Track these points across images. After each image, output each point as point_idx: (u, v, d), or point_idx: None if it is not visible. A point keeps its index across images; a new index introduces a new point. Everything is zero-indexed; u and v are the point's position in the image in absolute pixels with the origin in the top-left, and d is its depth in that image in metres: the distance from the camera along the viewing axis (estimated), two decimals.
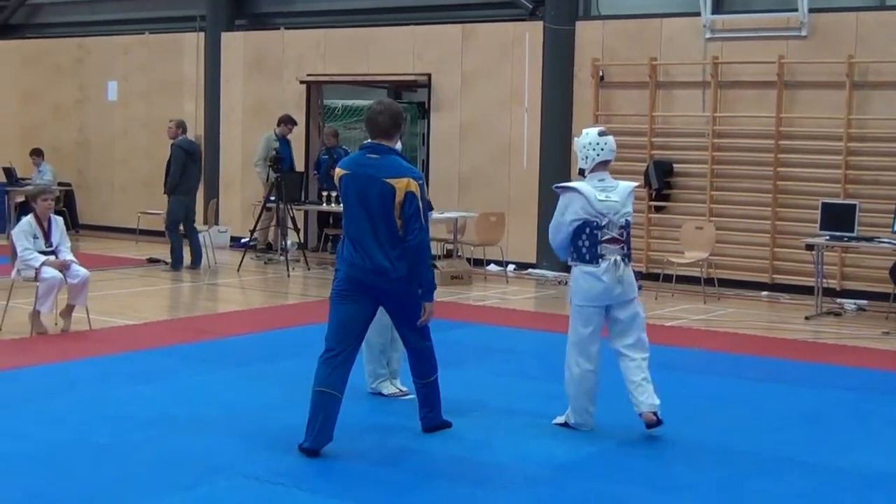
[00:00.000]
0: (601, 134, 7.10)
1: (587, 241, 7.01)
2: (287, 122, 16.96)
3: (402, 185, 6.47)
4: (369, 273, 6.53)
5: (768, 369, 9.61)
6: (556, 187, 7.27)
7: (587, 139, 7.08)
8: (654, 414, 7.00)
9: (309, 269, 15.57)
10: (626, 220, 7.08)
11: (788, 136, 14.27)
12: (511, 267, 15.73)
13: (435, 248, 15.42)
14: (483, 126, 16.41)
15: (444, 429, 7.10)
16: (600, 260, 7.01)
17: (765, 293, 14.17)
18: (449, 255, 15.64)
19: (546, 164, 15.77)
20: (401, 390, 8.08)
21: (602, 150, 7.04)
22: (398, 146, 7.22)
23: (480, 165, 16.44)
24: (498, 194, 16.17)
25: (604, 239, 7.01)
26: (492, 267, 15.75)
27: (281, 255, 15.75)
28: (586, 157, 7.07)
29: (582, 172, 7.11)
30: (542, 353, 10.19)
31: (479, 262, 15.63)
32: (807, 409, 8.18)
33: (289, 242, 15.93)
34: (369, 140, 6.72)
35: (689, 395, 7.99)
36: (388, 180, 6.48)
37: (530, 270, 15.72)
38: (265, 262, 16.18)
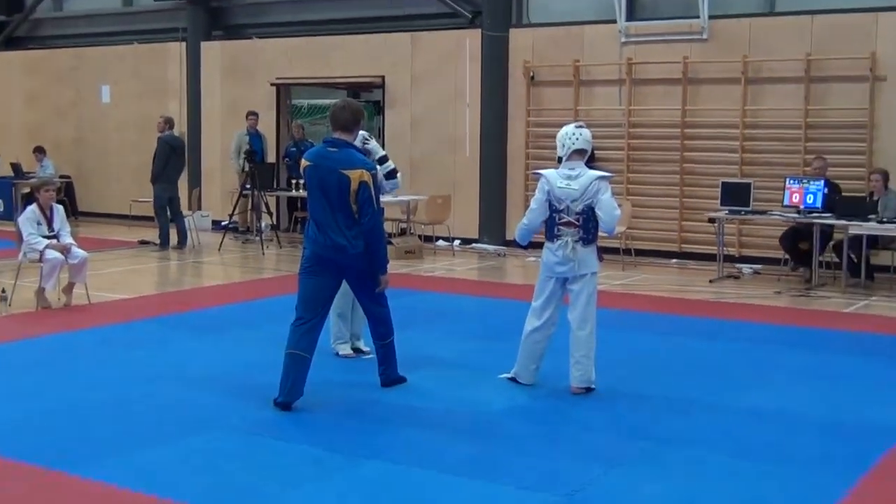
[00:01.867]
0: (577, 126, 7.00)
1: (548, 221, 6.98)
2: (249, 115, 16.97)
3: (356, 175, 6.44)
4: (331, 250, 6.52)
5: (678, 325, 9.71)
6: (533, 173, 7.21)
7: (564, 130, 6.96)
8: (584, 388, 6.96)
9: (281, 248, 15.49)
10: (585, 207, 6.86)
11: (693, 125, 14.35)
12: (457, 242, 15.73)
13: (390, 227, 15.41)
14: (431, 120, 16.35)
15: (399, 383, 7.13)
16: (556, 239, 6.97)
17: (674, 261, 14.28)
18: (403, 232, 15.60)
19: (485, 152, 15.77)
20: (363, 350, 8.09)
21: (577, 140, 6.91)
22: (370, 142, 7.19)
23: (429, 154, 16.39)
24: (444, 179, 16.15)
25: (561, 221, 6.93)
26: (440, 242, 15.74)
27: (256, 235, 15.67)
28: (563, 146, 6.94)
29: (560, 160, 7.01)
30: (483, 317, 10.25)
31: (429, 239, 15.62)
32: (710, 359, 8.27)
33: (263, 224, 15.83)
34: (330, 135, 6.69)
35: (611, 349, 8.04)
36: (344, 171, 6.45)
37: (473, 245, 15.73)
38: (243, 242, 16.07)
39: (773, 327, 9.70)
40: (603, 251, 7.30)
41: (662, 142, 14.55)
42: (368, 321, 7.04)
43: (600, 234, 7.08)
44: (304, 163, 6.66)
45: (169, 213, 15.14)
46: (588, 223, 6.95)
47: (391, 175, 7.74)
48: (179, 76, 18.98)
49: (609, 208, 6.89)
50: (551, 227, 7.00)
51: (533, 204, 7.07)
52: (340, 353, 8.05)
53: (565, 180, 6.91)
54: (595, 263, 7.02)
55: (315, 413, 6.47)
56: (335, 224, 6.49)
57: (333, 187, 6.46)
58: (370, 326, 7.04)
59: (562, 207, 6.93)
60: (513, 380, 7.25)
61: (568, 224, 6.95)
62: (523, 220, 7.17)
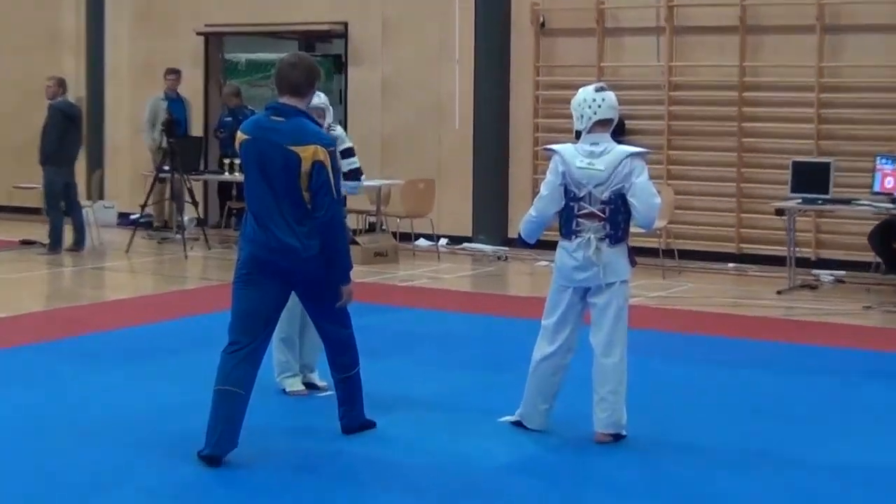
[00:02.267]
0: (598, 90, 6.97)
1: (564, 212, 6.96)
2: (168, 74, 17.06)
3: (308, 153, 6.41)
4: (275, 253, 6.48)
5: (735, 352, 9.69)
6: (544, 148, 7.23)
7: (582, 96, 6.95)
8: (611, 435, 6.94)
9: (210, 249, 15.46)
10: (613, 194, 6.86)
11: (754, 86, 14.37)
12: (443, 241, 15.72)
13: (355, 222, 15.38)
14: (408, 82, 16.36)
15: (367, 429, 7.09)
16: (574, 236, 6.95)
17: (731, 265, 14.30)
18: (371, 228, 15.61)
19: (481, 123, 15.79)
20: (318, 385, 8.07)
21: (599, 107, 6.90)
22: (336, 129, 7.17)
23: (406, 126, 16.39)
24: (427, 159, 16.14)
25: (581, 213, 6.90)
26: (421, 241, 15.73)
27: (177, 232, 15.63)
28: (581, 117, 6.93)
29: (578, 135, 7.00)
30: (480, 340, 10.25)
31: (406, 237, 15.60)
32: (779, 397, 8.25)
33: (186, 218, 15.79)
34: (276, 100, 6.66)
35: (647, 383, 8.01)
36: (293, 148, 6.42)
37: (465, 245, 15.73)
38: (159, 242, 16.05)
39: (860, 354, 9.69)
40: (636, 252, 7.27)
41: (714, 109, 14.58)
42: (325, 347, 7.01)
43: (633, 229, 7.05)
44: (239, 136, 6.64)
45: (63, 204, 15.08)
46: (616, 215, 6.92)
47: (353, 176, 7.74)
48: (76, 24, 18.94)
49: (646, 195, 6.88)
50: (568, 221, 6.98)
51: (543, 189, 7.05)
52: (288, 389, 8.03)
53: (587, 158, 6.90)
54: (626, 269, 6.99)
55: (254, 470, 6.42)
56: (281, 218, 6.47)
57: (278, 169, 6.43)
58: (328, 354, 7.02)
59: (582, 194, 6.91)
60: (518, 424, 7.23)
61: (590, 216, 6.92)
62: (531, 210, 7.16)
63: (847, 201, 12.87)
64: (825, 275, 13.48)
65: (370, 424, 7.11)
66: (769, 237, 14.07)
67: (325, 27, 17.04)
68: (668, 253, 14.08)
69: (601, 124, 6.96)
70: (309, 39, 19.93)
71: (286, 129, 6.49)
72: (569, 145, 7.02)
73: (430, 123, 16.25)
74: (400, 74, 16.43)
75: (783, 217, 13.02)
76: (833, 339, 10.24)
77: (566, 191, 6.96)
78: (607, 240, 6.92)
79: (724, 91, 14.48)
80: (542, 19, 15.40)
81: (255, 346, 6.55)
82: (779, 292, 12.67)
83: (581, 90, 7.06)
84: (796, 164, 13.04)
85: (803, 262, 13.53)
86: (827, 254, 13.96)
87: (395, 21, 16.41)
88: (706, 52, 14.60)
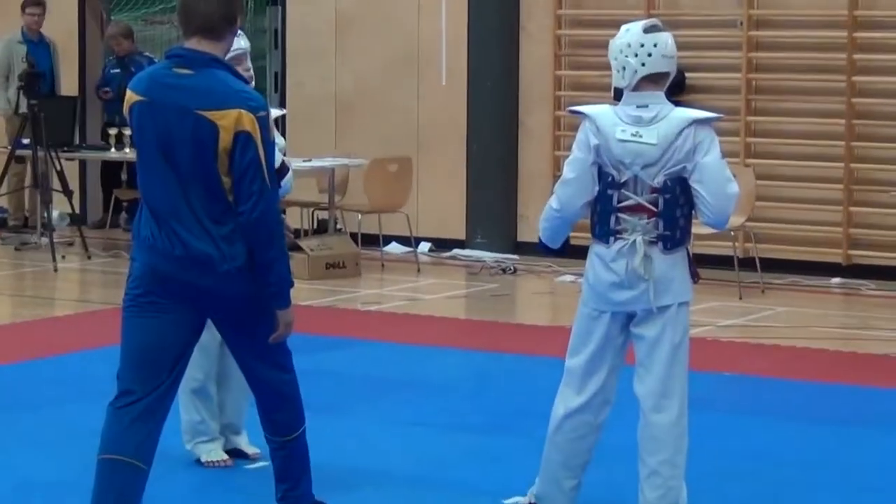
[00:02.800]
0: (648, 30, 6.96)
1: (599, 203, 6.98)
2: (28, 5, 17.06)
3: (229, 120, 6.40)
4: (183, 264, 6.48)
5: (844, 404, 9.74)
6: (570, 111, 7.29)
7: (626, 39, 6.92)
8: None
9: (89, 258, 15.50)
10: (670, 178, 6.92)
11: (869, 24, 14.49)
12: (425, 246, 15.77)
13: (298, 218, 15.41)
14: (374, 16, 16.45)
15: None
16: (612, 238, 6.98)
17: (837, 280, 14.40)
18: (322, 228, 15.63)
19: (479, 76, 15.90)
20: (246, 453, 8.12)
21: (650, 55, 6.90)
22: (245, 48, 7.19)
23: (371, 81, 16.47)
24: (401, 129, 16.22)
25: (622, 204, 6.94)
26: (393, 247, 15.78)
27: (42, 234, 15.67)
28: (623, 68, 6.93)
29: (618, 95, 7.04)
30: (477, 388, 10.30)
31: (371, 241, 15.63)
32: None
33: (55, 214, 15.80)
34: (181, 44, 6.67)
35: (723, 447, 8.06)
36: (205, 113, 6.41)
37: (456, 252, 15.80)
38: (16, 248, 16.06)
39: None
40: (701, 262, 7.31)
41: (813, 57, 14.68)
42: (257, 400, 7.01)
43: (696, 229, 7.09)
44: (129, 96, 6.62)
45: None
46: (673, 209, 6.96)
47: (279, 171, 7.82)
48: None
49: (717, 181, 6.93)
50: (605, 217, 7.01)
51: (568, 171, 7.07)
52: (204, 458, 8.06)
53: (631, 127, 6.93)
54: (686, 287, 7.04)
55: None
56: (190, 214, 6.46)
57: (185, 143, 6.43)
58: (259, 410, 7.01)
59: (625, 179, 6.94)
60: None
61: (636, 210, 6.96)
62: (551, 202, 7.17)
63: None
64: None
65: None
66: (891, 241, 14.17)
67: None
68: (748, 263, 14.15)
69: (652, 79, 6.96)
70: None
71: (197, 87, 6.46)
72: (606, 107, 7.03)
73: (404, 78, 16.33)
74: (362, 5, 16.50)
75: None
76: None
77: (601, 173, 6.98)
78: (660, 243, 6.94)
79: (828, 31, 14.60)
80: None
81: (154, 397, 6.52)
82: None
83: (624, 29, 7.04)
84: None
85: None
86: None
87: None
88: None
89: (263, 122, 6.47)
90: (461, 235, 15.94)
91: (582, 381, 7.07)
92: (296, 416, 6.97)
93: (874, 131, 14.45)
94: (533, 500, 7.26)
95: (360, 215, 15.42)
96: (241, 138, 6.39)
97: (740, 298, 13.48)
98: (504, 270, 15.02)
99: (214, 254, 6.46)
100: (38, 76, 15.56)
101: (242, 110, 6.42)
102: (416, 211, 15.52)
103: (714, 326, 11.98)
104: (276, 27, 17.90)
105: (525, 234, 15.16)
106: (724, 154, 7.21)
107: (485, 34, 15.81)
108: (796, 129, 14.76)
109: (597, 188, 6.99)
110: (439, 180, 15.91)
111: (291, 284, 6.73)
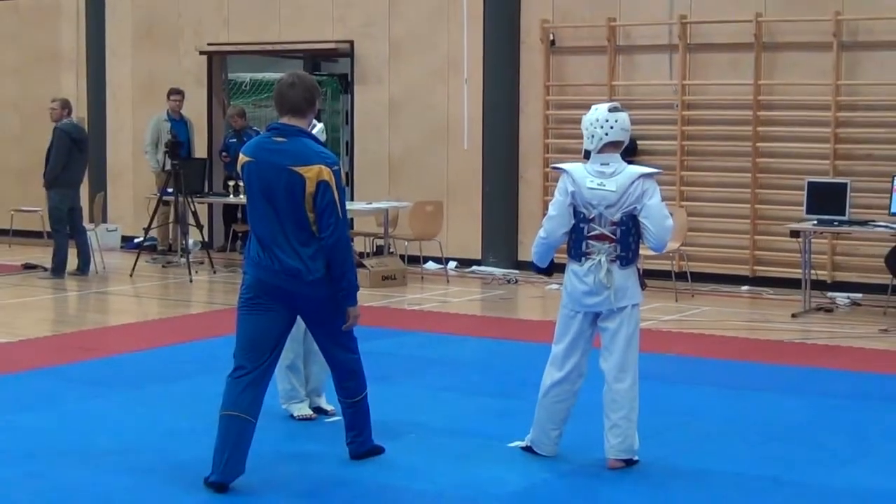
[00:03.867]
0: (612, 110, 6.95)
1: (574, 233, 6.96)
2: (171, 94, 17.05)
3: (312, 173, 6.44)
4: (280, 276, 6.51)
5: (750, 376, 9.70)
6: (553, 167, 7.28)
7: (594, 115, 6.93)
8: (623, 461, 6.96)
9: (215, 273, 15.51)
10: (625, 215, 6.88)
11: (769, 105, 14.40)
12: (452, 264, 15.75)
13: (362, 245, 15.42)
14: (416, 101, 16.41)
15: (375, 455, 7.11)
16: (584, 258, 6.97)
17: (745, 288, 14.32)
18: (379, 251, 15.63)
19: (491, 143, 15.83)
20: (326, 410, 8.10)
21: (612, 128, 6.89)
22: (319, 128, 7.19)
23: (414, 147, 16.45)
24: (435, 180, 16.19)
25: (591, 234, 6.92)
26: (429, 265, 15.76)
27: (182, 256, 15.68)
28: (592, 136, 6.92)
29: (587, 155, 6.99)
30: (489, 365, 10.24)
31: (414, 260, 15.64)
32: (795, 421, 8.25)
33: (190, 242, 15.83)
34: (277, 120, 6.70)
35: (660, 408, 8.03)
36: (296, 169, 6.45)
37: (474, 268, 15.76)
38: (163, 266, 16.08)
39: (878, 377, 9.68)
40: (648, 275, 7.30)
41: (728, 128, 14.60)
42: (332, 372, 7.03)
43: (644, 251, 7.07)
44: (241, 158, 6.66)
45: (68, 228, 15.12)
46: (628, 237, 6.95)
47: None
48: (77, 42, 19.00)
49: (659, 217, 6.91)
50: (578, 243, 6.99)
51: (552, 209, 7.07)
52: (296, 413, 8.05)
53: (597, 179, 6.91)
54: (637, 292, 7.02)
55: (261, 496, 6.43)
56: (285, 240, 6.50)
57: (281, 191, 6.46)
58: (334, 379, 7.03)
59: (592, 216, 6.93)
60: (528, 450, 7.25)
61: (601, 238, 6.94)
62: (540, 231, 7.17)
63: (864, 223, 12.87)
64: (841, 297, 13.47)
65: (378, 450, 7.13)
66: (784, 259, 14.07)
67: (331, 46, 17.06)
68: (681, 275, 14.08)
69: (613, 145, 6.96)
70: (314, 58, 20.04)
71: (289, 150, 6.51)
72: (578, 164, 7.01)
73: (438, 144, 16.29)
74: (407, 94, 16.47)
75: (798, 239, 12.98)
76: (849, 363, 10.23)
77: (575, 212, 6.96)
78: (618, 262, 6.92)
79: (739, 110, 14.48)
80: (552, 37, 15.43)
81: (260, 371, 6.57)
82: (794, 315, 12.67)
83: (593, 108, 7.03)
84: (812, 185, 13.04)
85: (819, 285, 13.52)
86: (843, 276, 13.96)
87: (402, 39, 16.45)
88: (720, 70, 14.62)
89: (337, 174, 6.56)
90: (478, 256, 15.92)
91: (563, 361, 7.08)
92: (361, 383, 7.02)
93: (773, 181, 14.38)
94: (528, 444, 7.28)
95: (406, 242, 15.43)
96: (322, 186, 6.45)
97: (676, 301, 13.43)
98: (508, 281, 14.99)
99: (302, 268, 6.51)
100: (178, 145, 15.59)
101: (322, 165, 6.49)
102: (446, 238, 15.50)
103: (657, 321, 11.95)
104: (346, 108, 17.89)
105: (524, 255, 15.13)
106: (664, 198, 7.22)
107: (495, 113, 15.79)
108: (716, 181, 14.71)
109: (572, 222, 6.99)
110: (462, 217, 15.91)
111: (358, 289, 6.78)
